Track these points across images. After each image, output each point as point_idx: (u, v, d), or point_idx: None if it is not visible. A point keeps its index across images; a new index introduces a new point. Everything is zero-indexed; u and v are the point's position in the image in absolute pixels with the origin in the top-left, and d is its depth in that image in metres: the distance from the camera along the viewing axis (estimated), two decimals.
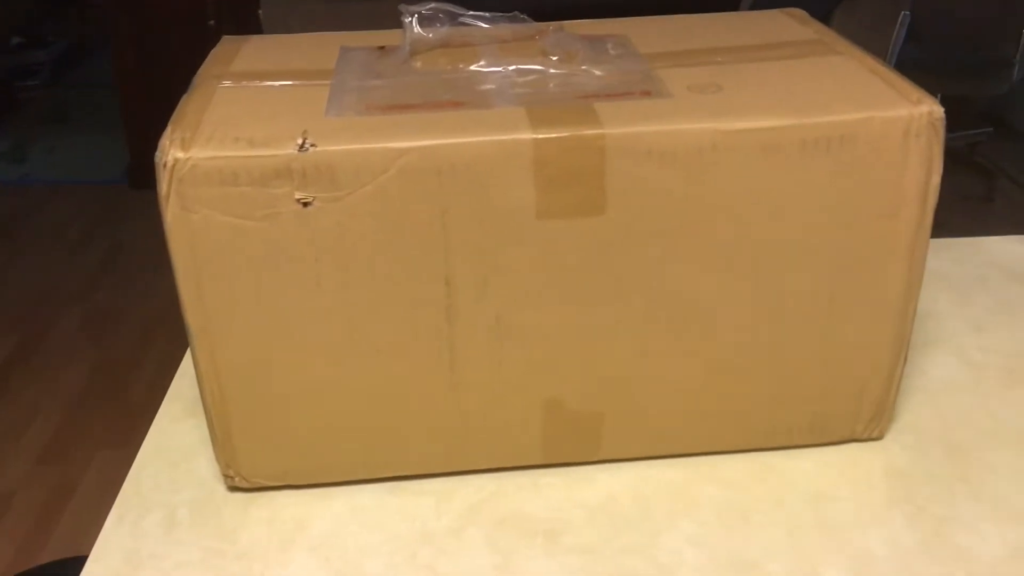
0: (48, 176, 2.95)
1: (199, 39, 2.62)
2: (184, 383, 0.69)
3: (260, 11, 1.87)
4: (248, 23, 2.57)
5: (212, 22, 2.62)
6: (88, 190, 2.85)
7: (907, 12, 1.71)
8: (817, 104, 0.53)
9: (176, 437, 0.65)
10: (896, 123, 0.52)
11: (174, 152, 0.49)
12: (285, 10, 1.89)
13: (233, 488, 0.60)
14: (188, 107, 0.54)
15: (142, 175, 2.80)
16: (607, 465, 0.61)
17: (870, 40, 1.77)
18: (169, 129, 0.51)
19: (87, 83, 3.63)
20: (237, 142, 0.50)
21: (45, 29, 3.81)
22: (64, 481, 1.72)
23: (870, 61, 0.59)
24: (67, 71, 3.72)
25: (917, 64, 2.23)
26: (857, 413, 0.61)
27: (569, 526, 0.57)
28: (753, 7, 2.08)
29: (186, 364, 0.71)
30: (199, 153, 0.49)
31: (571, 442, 0.60)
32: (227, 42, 0.65)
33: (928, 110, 0.52)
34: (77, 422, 1.88)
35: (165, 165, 0.49)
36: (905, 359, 0.60)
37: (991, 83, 2.37)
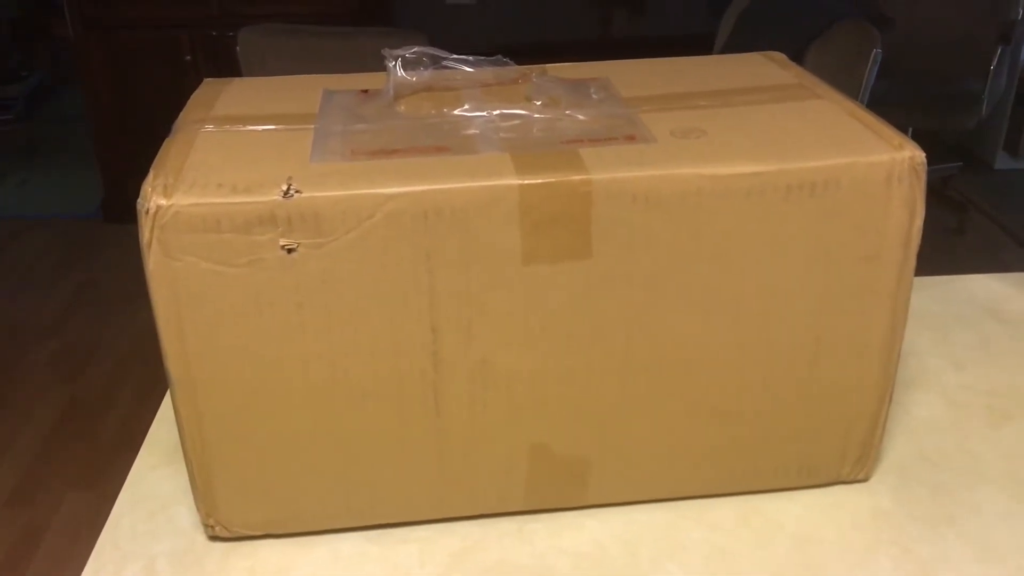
0: (21, 211, 2.92)
1: (174, 74, 2.62)
2: (162, 429, 0.68)
3: (237, 47, 1.87)
4: (224, 59, 2.57)
5: (188, 57, 2.62)
6: (61, 224, 2.82)
7: (878, 50, 1.74)
8: (800, 149, 0.53)
9: (154, 485, 0.63)
10: (879, 168, 0.53)
11: (156, 199, 0.49)
12: (262, 46, 1.89)
13: (213, 538, 0.59)
14: (170, 152, 0.53)
15: (116, 209, 2.78)
16: (593, 510, 0.61)
17: (843, 77, 1.79)
18: (151, 175, 0.50)
19: (61, 117, 3.61)
20: (220, 188, 0.49)
21: (19, 64, 3.79)
22: (33, 523, 1.69)
23: (850, 105, 0.59)
24: (41, 105, 3.70)
25: (889, 100, 2.26)
26: (843, 455, 0.61)
27: (555, 574, 0.56)
28: (725, 49, 2.11)
29: (164, 409, 0.70)
30: (182, 200, 0.49)
31: (557, 487, 0.60)
32: (208, 85, 0.65)
33: (910, 155, 0.53)
34: (47, 462, 1.84)
35: (147, 212, 0.48)
36: (890, 400, 0.60)
37: (961, 118, 2.41)
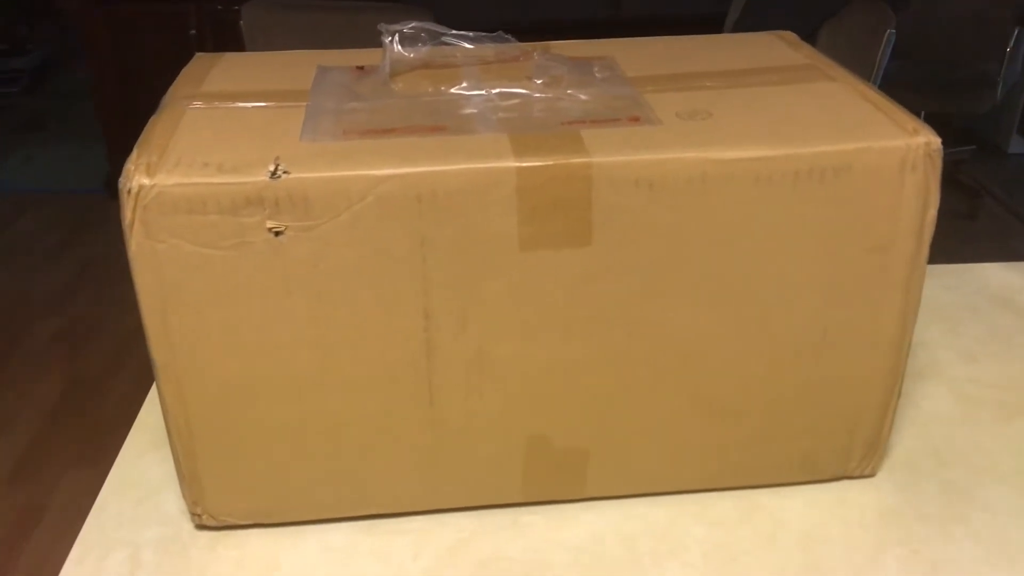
0: (25, 185, 2.90)
1: (180, 48, 2.59)
2: (152, 413, 0.67)
3: (241, 21, 1.85)
4: (229, 33, 2.54)
5: (193, 31, 2.59)
6: (66, 199, 2.81)
7: (892, 30, 1.71)
8: (811, 133, 0.51)
9: (142, 471, 0.62)
10: (892, 154, 0.50)
11: (139, 178, 0.47)
12: (267, 20, 1.87)
13: (200, 526, 0.57)
14: (155, 130, 0.51)
15: None
16: (591, 503, 0.59)
17: (856, 57, 1.76)
18: (134, 153, 0.48)
19: (67, 92, 3.59)
20: (206, 168, 0.47)
21: (25, 36, 3.76)
22: (33, 501, 1.68)
23: (864, 88, 0.57)
24: (47, 79, 3.68)
25: (902, 82, 2.23)
26: (849, 450, 0.59)
27: (551, 568, 0.55)
28: (736, 28, 2.08)
29: (154, 393, 0.68)
30: (165, 179, 0.47)
31: (554, 480, 0.58)
32: (200, 60, 0.63)
33: (925, 141, 0.50)
34: (48, 439, 1.83)
35: (129, 192, 0.47)
36: (899, 395, 0.58)
37: (975, 101, 2.37)
